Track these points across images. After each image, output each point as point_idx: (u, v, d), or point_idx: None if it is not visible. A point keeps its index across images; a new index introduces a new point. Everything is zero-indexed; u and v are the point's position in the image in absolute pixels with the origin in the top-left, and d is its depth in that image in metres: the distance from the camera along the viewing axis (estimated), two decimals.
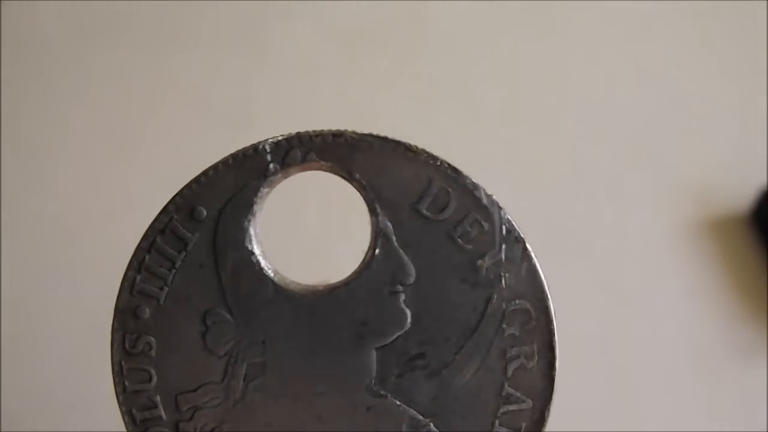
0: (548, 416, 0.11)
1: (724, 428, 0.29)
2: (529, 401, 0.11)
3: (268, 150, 0.11)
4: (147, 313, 0.11)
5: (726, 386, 0.30)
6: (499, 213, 0.11)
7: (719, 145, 0.34)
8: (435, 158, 0.11)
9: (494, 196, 0.11)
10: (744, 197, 0.32)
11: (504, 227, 0.11)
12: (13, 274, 0.31)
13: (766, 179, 0.32)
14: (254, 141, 0.33)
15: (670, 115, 0.34)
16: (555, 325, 0.11)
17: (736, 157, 0.33)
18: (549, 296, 0.11)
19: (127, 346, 0.12)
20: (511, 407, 0.11)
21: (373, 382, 0.11)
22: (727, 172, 0.33)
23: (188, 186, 0.11)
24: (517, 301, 0.11)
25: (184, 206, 0.11)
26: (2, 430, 0.28)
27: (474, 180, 0.11)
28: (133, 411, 0.11)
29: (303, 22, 0.36)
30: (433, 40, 0.36)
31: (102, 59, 0.35)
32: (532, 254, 0.11)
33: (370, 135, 0.11)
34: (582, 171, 0.33)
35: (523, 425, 0.11)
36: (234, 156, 0.11)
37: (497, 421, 0.11)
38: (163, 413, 0.11)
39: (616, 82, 0.35)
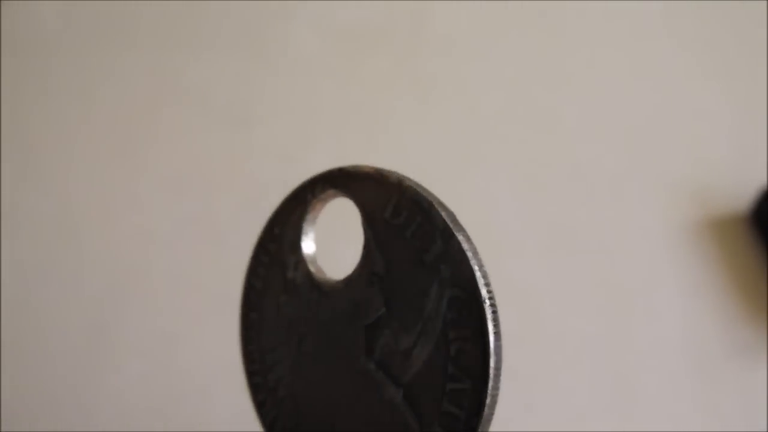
0: (487, 400, 0.12)
1: (724, 428, 0.29)
2: (469, 382, 0.12)
3: (307, 186, 0.15)
4: (254, 296, 0.15)
5: (726, 386, 0.30)
6: (437, 214, 0.13)
7: (719, 145, 0.34)
8: (393, 177, 0.13)
9: (434, 202, 0.13)
10: (744, 197, 0.32)
11: (441, 226, 0.13)
12: (13, 274, 0.31)
13: (766, 179, 0.32)
14: (254, 141, 0.35)
15: (670, 115, 0.34)
16: (488, 313, 0.12)
17: (736, 157, 0.33)
18: (480, 285, 0.12)
19: (246, 318, 0.16)
20: (455, 385, 0.12)
21: (364, 353, 0.13)
22: (727, 172, 0.33)
23: (273, 213, 0.15)
24: (454, 290, 0.12)
25: (269, 227, 0.15)
26: (2, 430, 0.28)
27: (417, 189, 0.13)
28: (247, 365, 0.15)
29: (303, 22, 0.36)
30: (433, 40, 0.36)
31: (102, 59, 0.35)
32: (466, 248, 0.12)
33: (362, 166, 0.14)
34: (582, 171, 0.33)
35: (466, 404, 0.12)
36: (292, 192, 0.15)
37: (446, 398, 0.12)
38: (258, 366, 0.15)
39: (615, 82, 0.35)
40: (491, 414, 0.12)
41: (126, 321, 0.30)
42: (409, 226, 0.13)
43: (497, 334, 0.12)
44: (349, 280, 0.14)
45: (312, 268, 0.15)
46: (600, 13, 0.36)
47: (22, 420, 0.29)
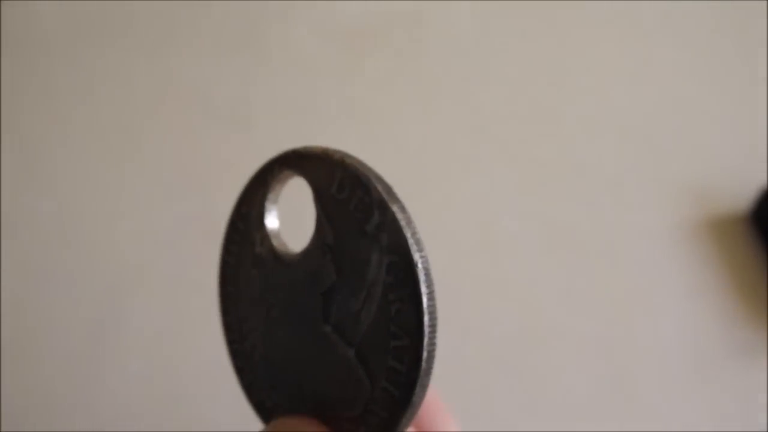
0: (424, 354, 0.13)
1: (724, 428, 0.29)
2: (407, 339, 0.13)
3: (267, 168, 0.16)
4: (229, 271, 0.17)
5: (726, 386, 0.30)
6: (375, 188, 0.14)
7: (719, 145, 0.34)
8: (336, 155, 0.14)
9: (372, 177, 0.14)
10: (744, 197, 0.32)
11: (378, 198, 0.14)
12: (13, 274, 0.31)
13: (766, 179, 0.32)
14: (254, 141, 0.35)
15: (670, 115, 0.34)
16: (421, 276, 0.13)
17: (736, 157, 0.33)
18: (413, 251, 0.13)
19: (223, 291, 0.17)
20: (397, 343, 0.13)
21: (321, 318, 0.15)
22: (727, 172, 0.33)
23: (240, 194, 0.16)
24: (391, 256, 0.13)
25: (238, 207, 0.16)
26: (2, 430, 0.28)
27: (357, 166, 0.14)
28: (227, 334, 0.17)
29: (303, 22, 0.36)
30: (432, 40, 0.36)
31: (102, 59, 0.35)
32: (399, 218, 0.13)
33: (311, 147, 0.15)
34: (582, 171, 0.33)
35: (406, 359, 0.13)
36: (255, 173, 0.16)
37: (390, 355, 0.14)
38: (237, 335, 0.16)
39: (616, 82, 0.35)
40: (429, 368, 0.13)
41: (126, 321, 0.30)
42: (351, 200, 0.14)
43: (430, 294, 0.13)
44: (305, 252, 0.15)
45: (275, 243, 0.16)
46: (600, 14, 0.36)
47: (22, 420, 0.29)
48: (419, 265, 0.13)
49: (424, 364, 0.13)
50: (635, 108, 0.34)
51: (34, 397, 0.29)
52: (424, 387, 0.13)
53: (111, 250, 0.31)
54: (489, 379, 0.30)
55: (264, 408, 0.16)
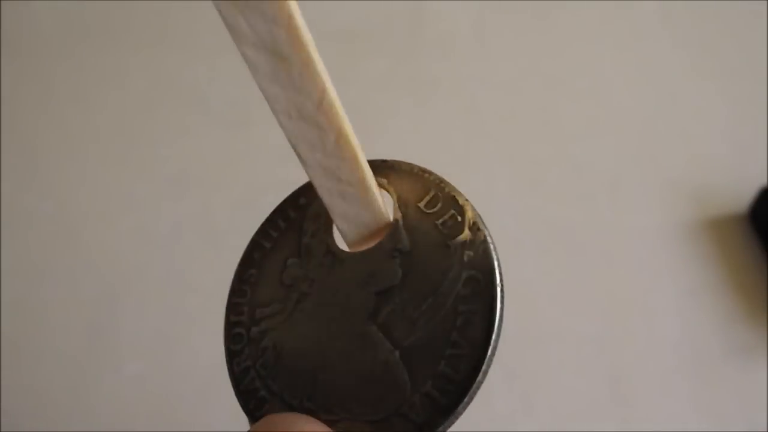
0: (483, 367, 0.14)
1: (724, 428, 0.29)
2: (468, 349, 0.14)
3: None
4: (258, 254, 0.16)
5: (726, 386, 0.30)
6: (470, 210, 0.15)
7: (718, 145, 0.34)
8: (431, 173, 0.16)
9: (468, 201, 0.15)
10: (744, 197, 0.32)
11: (471, 220, 0.15)
12: (13, 274, 0.31)
13: (765, 179, 0.32)
14: (253, 141, 0.34)
15: (670, 115, 0.34)
16: (498, 294, 0.14)
17: (735, 157, 0.33)
18: (497, 271, 0.14)
19: (241, 275, 0.16)
20: (455, 351, 0.14)
21: (368, 316, 0.15)
22: (727, 172, 0.33)
23: (302, 186, 0.17)
24: (472, 271, 0.14)
25: (294, 196, 0.16)
26: (2, 430, 0.28)
27: (455, 187, 0.15)
28: (230, 315, 0.16)
29: None
30: (431, 40, 0.36)
31: (101, 59, 0.35)
32: (489, 240, 0.14)
33: (399, 161, 0.16)
34: (581, 171, 0.33)
35: (462, 368, 0.14)
36: None
37: (444, 361, 0.14)
38: (245, 318, 0.16)
39: (615, 82, 0.35)
40: (482, 381, 0.14)
41: (124, 321, 0.30)
42: (441, 216, 0.15)
43: (501, 316, 0.14)
44: (367, 252, 0.15)
45: (329, 240, 0.16)
46: (599, 14, 0.36)
47: (22, 420, 0.29)
48: (500, 285, 0.14)
49: (480, 376, 0.14)
50: (634, 108, 0.34)
51: (32, 397, 0.29)
52: (472, 398, 0.14)
53: (109, 251, 0.31)
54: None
55: (254, 396, 0.16)
